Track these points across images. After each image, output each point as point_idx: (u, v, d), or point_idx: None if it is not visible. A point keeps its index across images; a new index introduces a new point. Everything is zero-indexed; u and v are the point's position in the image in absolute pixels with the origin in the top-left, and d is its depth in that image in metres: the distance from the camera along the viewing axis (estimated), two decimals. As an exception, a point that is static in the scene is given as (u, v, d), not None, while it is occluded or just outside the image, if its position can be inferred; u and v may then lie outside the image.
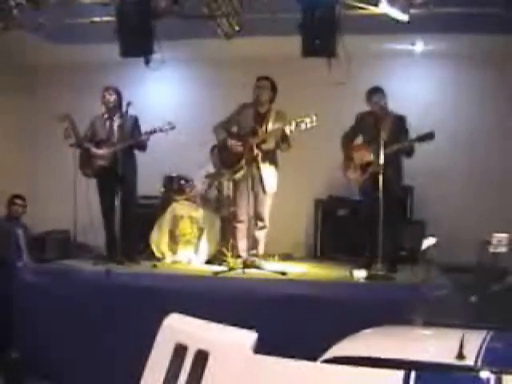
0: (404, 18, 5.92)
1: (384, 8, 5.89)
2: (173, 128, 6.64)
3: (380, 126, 6.20)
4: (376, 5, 5.96)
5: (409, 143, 6.32)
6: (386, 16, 5.97)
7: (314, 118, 6.09)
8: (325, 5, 5.87)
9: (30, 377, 5.66)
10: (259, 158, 6.38)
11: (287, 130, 6.20)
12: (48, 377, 5.63)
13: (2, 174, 8.19)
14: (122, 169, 6.64)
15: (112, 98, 6.86)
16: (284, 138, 6.35)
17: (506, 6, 5.72)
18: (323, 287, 5.85)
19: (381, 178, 5.99)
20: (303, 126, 6.13)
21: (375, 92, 6.48)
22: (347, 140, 6.72)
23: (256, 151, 6.35)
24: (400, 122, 6.52)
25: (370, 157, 6.21)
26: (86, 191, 6.77)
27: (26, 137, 9.11)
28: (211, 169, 7.56)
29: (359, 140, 6.73)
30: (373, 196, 6.07)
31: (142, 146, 6.90)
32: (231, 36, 6.49)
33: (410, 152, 6.40)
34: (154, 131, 6.68)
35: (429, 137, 6.18)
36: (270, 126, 6.44)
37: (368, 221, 6.31)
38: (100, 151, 6.80)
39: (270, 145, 6.46)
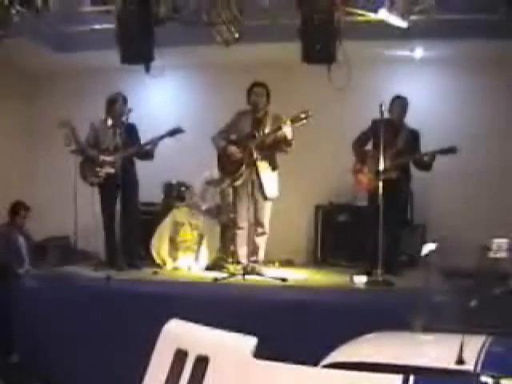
0: (403, 24, 5.93)
1: (383, 15, 5.90)
2: (180, 131, 6.65)
3: (398, 135, 6.41)
4: (375, 11, 5.98)
5: (430, 155, 6.35)
6: (385, 22, 5.99)
7: (309, 112, 6.11)
8: (324, 11, 5.88)
9: (31, 381, 5.65)
10: (259, 163, 6.39)
11: (284, 128, 6.24)
12: (48, 381, 5.62)
13: (2, 180, 8.19)
14: (124, 176, 6.64)
15: (119, 105, 6.83)
16: (283, 140, 6.36)
17: (507, 11, 5.73)
18: (323, 293, 5.86)
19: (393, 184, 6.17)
20: (298, 122, 6.15)
21: (401, 101, 6.56)
22: (359, 145, 6.75)
23: (256, 155, 6.37)
24: (414, 134, 6.63)
25: (386, 163, 6.17)
26: (86, 197, 6.77)
27: (26, 143, 9.12)
28: (216, 172, 7.46)
29: (369, 146, 6.77)
30: (383, 201, 6.04)
31: (150, 155, 6.87)
32: (231, 43, 6.50)
33: (428, 165, 6.45)
34: (162, 137, 6.69)
35: (451, 151, 6.18)
36: (268, 129, 6.47)
37: (373, 225, 6.28)
38: (109, 158, 6.75)
39: (269, 146, 6.48)
